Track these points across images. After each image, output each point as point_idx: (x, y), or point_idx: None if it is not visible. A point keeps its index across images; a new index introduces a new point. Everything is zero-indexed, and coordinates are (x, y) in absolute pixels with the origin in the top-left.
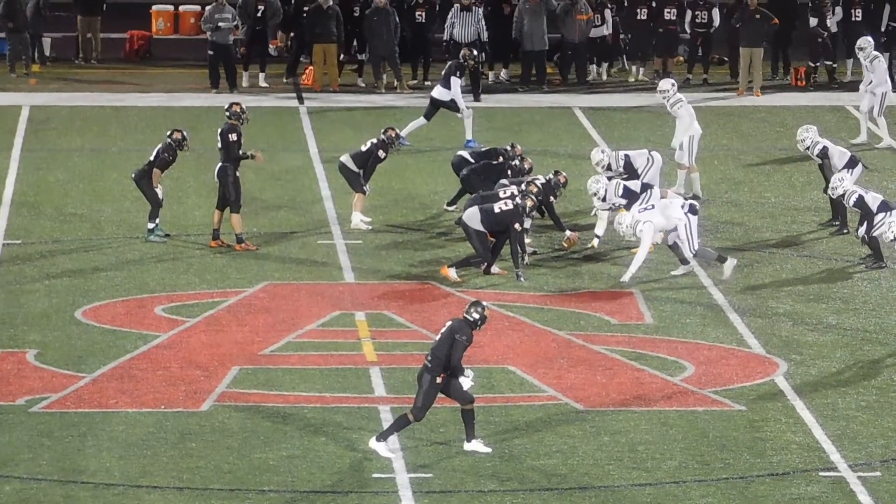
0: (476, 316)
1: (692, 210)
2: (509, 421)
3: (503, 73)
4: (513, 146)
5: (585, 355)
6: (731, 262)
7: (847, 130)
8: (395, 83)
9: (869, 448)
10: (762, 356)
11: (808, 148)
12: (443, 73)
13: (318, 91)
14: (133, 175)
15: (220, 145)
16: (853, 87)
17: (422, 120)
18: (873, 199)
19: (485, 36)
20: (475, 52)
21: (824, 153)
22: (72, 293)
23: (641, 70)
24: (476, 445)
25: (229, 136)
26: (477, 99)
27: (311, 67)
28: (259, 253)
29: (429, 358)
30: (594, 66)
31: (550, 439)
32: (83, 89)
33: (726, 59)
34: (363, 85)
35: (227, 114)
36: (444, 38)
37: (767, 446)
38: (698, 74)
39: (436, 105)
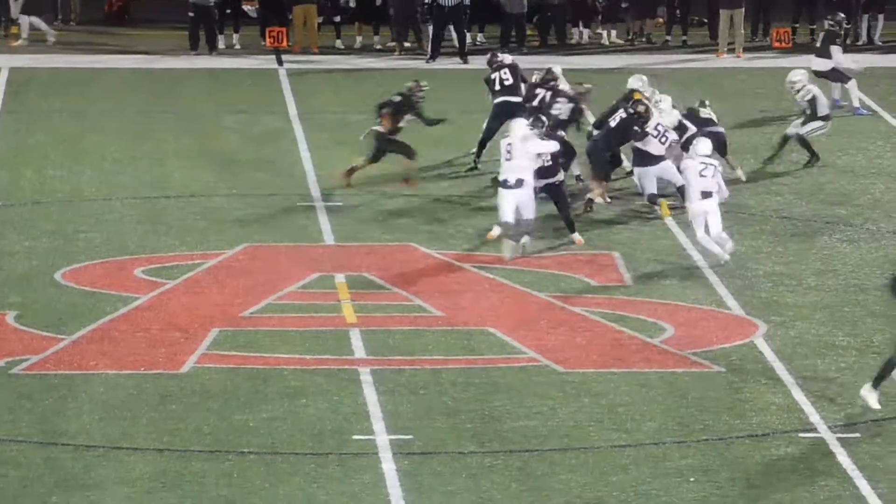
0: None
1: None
2: (489, 383)
3: (479, 36)
4: (549, 71)
5: (565, 317)
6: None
7: (828, 92)
8: (394, 45)
9: (848, 409)
10: (742, 317)
11: (798, 91)
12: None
13: (298, 53)
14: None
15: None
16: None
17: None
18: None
19: None
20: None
21: (813, 102)
22: (51, 255)
23: (613, 33)
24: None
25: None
26: (464, 61)
27: (277, 29)
28: (239, 215)
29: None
30: (577, 28)
31: (530, 401)
32: (63, 51)
33: (706, 20)
34: (342, 47)
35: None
36: (426, 1)
37: (747, 407)
38: (677, 36)
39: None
